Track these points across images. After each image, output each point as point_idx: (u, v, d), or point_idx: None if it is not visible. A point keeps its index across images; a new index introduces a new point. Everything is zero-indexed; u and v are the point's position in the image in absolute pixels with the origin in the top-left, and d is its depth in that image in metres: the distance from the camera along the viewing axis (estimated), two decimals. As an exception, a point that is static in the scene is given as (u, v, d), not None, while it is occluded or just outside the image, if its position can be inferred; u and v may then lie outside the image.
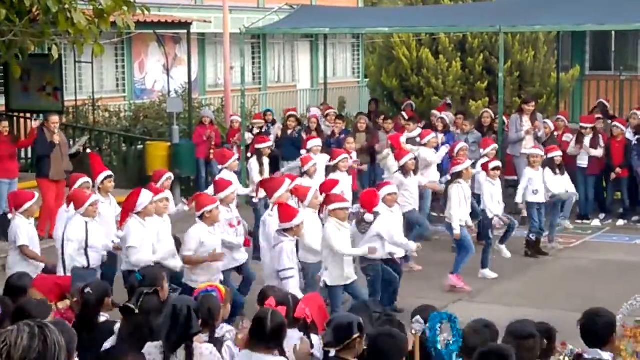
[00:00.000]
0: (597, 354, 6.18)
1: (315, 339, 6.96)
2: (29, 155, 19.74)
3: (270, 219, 10.94)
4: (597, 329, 6.31)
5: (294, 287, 9.73)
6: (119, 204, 12.61)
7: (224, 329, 7.19)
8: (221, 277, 10.57)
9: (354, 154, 16.14)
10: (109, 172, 12.49)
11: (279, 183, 11.59)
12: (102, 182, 12.10)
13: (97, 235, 10.85)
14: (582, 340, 6.40)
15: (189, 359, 6.12)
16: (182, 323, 6.12)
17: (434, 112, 19.02)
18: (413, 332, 6.22)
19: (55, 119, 16.32)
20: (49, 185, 15.79)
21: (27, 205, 10.97)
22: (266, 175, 15.03)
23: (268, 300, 7.31)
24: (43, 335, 3.51)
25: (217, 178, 13.00)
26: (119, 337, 6.65)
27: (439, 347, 6.09)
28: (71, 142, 19.96)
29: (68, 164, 16.33)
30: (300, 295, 9.52)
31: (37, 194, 11.40)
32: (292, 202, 11.31)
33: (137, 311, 6.65)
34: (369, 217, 11.39)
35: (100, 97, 22.64)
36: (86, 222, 10.71)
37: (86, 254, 10.64)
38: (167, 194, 11.80)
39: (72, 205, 10.93)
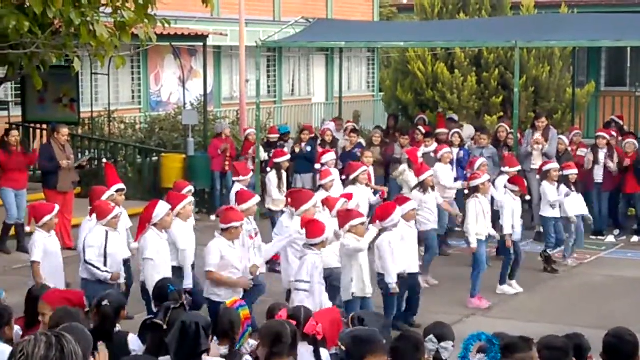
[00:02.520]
0: None
1: (325, 353, 6.96)
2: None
3: (300, 237, 10.81)
4: (623, 350, 6.31)
5: (302, 300, 9.71)
6: (131, 216, 12.74)
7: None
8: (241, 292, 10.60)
9: (371, 169, 16.13)
10: (121, 185, 12.58)
11: (307, 196, 11.62)
12: (113, 194, 12.19)
13: (116, 244, 10.93)
14: (605, 358, 6.40)
15: None
16: (190, 339, 6.10)
17: (439, 130, 18.69)
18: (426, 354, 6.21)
19: (65, 131, 16.31)
20: (56, 197, 15.51)
21: (46, 219, 10.94)
22: (284, 189, 15.09)
23: (280, 312, 7.36)
24: (60, 345, 3.52)
25: (233, 190, 13.02)
26: (147, 352, 6.66)
27: None
28: (86, 153, 20.06)
29: (75, 175, 16.37)
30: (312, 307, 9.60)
31: (57, 207, 11.38)
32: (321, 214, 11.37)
33: (165, 327, 6.67)
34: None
35: (116, 108, 22.73)
36: (107, 231, 10.80)
37: (105, 264, 10.70)
38: (119, 210, 11.49)
39: (94, 215, 11.00)
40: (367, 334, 5.89)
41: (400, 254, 11.60)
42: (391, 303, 11.55)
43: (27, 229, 11.39)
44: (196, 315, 6.62)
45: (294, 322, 6.85)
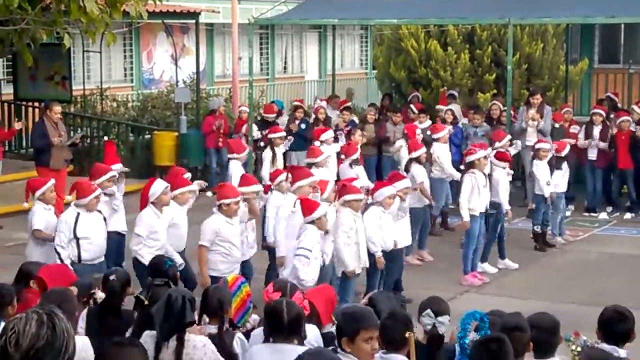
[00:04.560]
0: (615, 350, 6.18)
1: (313, 329, 6.91)
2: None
3: (294, 216, 10.81)
4: (618, 327, 6.32)
5: (302, 266, 9.74)
6: (128, 193, 12.71)
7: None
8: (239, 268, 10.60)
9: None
10: (124, 168, 12.53)
11: (305, 174, 11.59)
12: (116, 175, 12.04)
13: (89, 226, 10.53)
14: (600, 335, 6.40)
15: (179, 349, 6.07)
16: (176, 312, 6.09)
17: (439, 107, 18.90)
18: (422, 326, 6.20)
19: (58, 109, 16.18)
20: (49, 175, 15.29)
21: (42, 189, 10.80)
22: (279, 165, 15.06)
23: (267, 286, 7.34)
24: (52, 322, 3.49)
25: (228, 169, 12.96)
26: (134, 328, 6.68)
27: (467, 347, 6.06)
28: (78, 131, 19.98)
29: (68, 153, 16.29)
30: (308, 280, 9.58)
31: (52, 180, 11.27)
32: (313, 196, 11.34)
33: (146, 302, 6.68)
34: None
35: (108, 86, 22.64)
36: (78, 214, 10.46)
37: (77, 246, 10.42)
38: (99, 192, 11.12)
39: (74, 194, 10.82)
40: (360, 312, 5.86)
41: (390, 229, 11.60)
42: (374, 277, 11.53)
43: (25, 204, 11.30)
44: (182, 289, 6.61)
45: (279, 294, 6.83)
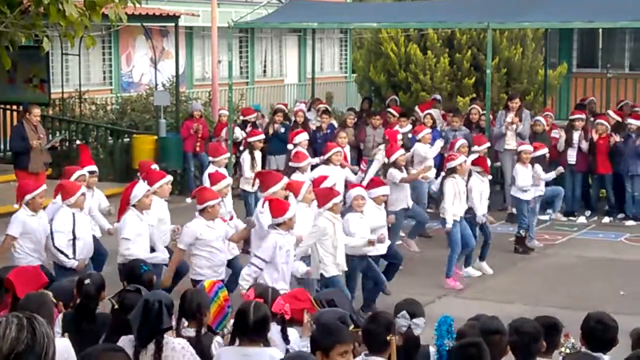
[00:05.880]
0: (601, 358, 6.18)
1: (293, 333, 6.95)
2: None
3: (262, 216, 10.94)
4: (603, 336, 6.30)
5: (247, 275, 9.71)
6: (107, 196, 12.70)
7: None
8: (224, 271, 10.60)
9: (347, 148, 16.11)
10: (93, 167, 12.55)
11: (276, 179, 11.53)
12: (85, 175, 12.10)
13: (85, 226, 10.79)
14: (584, 343, 6.39)
15: (158, 353, 6.10)
16: (153, 317, 6.10)
17: (417, 109, 18.94)
18: (398, 328, 6.21)
19: (37, 111, 16.12)
20: (28, 178, 15.17)
21: (28, 197, 10.79)
22: (258, 169, 15.05)
23: (248, 291, 7.34)
24: (32, 327, 3.48)
25: (207, 172, 13.02)
26: (108, 332, 6.67)
27: (445, 352, 6.09)
28: (57, 134, 19.89)
29: (47, 156, 16.23)
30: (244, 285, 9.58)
31: (43, 186, 11.24)
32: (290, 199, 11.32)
33: (116, 306, 6.67)
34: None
35: (87, 89, 22.58)
36: (74, 214, 10.66)
37: (73, 245, 10.57)
38: (85, 189, 11.32)
39: (59, 197, 10.90)
40: (335, 326, 5.91)
41: (365, 235, 11.56)
42: (352, 285, 11.53)
43: (15, 206, 11.27)
44: (159, 294, 6.60)
45: (262, 300, 6.83)
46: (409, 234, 14.70)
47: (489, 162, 14.63)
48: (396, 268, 12.40)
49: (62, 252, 10.50)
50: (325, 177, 12.41)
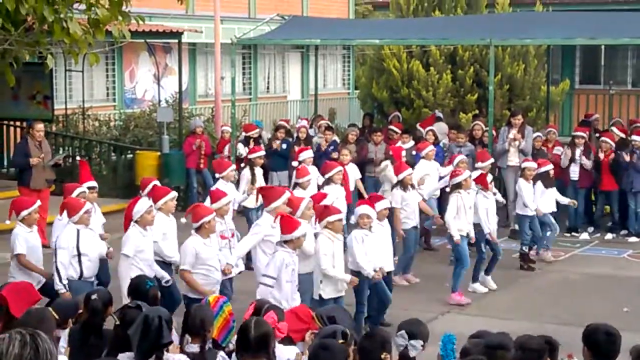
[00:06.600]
0: None
1: (292, 350, 6.92)
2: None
3: (259, 228, 10.94)
4: (609, 348, 6.23)
5: (264, 294, 9.63)
6: (105, 213, 12.69)
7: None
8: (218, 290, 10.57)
9: (352, 166, 16.12)
10: (93, 183, 12.55)
11: (278, 193, 11.53)
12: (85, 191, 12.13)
13: (90, 243, 10.75)
14: (589, 355, 6.35)
15: None
16: (153, 333, 6.10)
17: (418, 127, 18.90)
18: (396, 347, 6.22)
19: (40, 127, 16.19)
20: (30, 195, 15.12)
21: (24, 213, 10.89)
22: (259, 185, 15.03)
23: (250, 307, 7.34)
24: (35, 343, 3.49)
25: (212, 188, 13.01)
26: (108, 349, 6.67)
27: None
28: (60, 151, 19.92)
29: (50, 173, 16.24)
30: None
31: (38, 202, 11.29)
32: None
33: (117, 323, 6.68)
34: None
35: (90, 105, 22.60)
36: (78, 230, 10.64)
37: (79, 262, 10.54)
38: (90, 205, 11.28)
39: (65, 214, 10.92)
40: (334, 345, 5.92)
41: (373, 252, 11.54)
42: (361, 300, 11.50)
43: (7, 222, 11.31)
44: (158, 309, 6.60)
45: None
46: (398, 269, 13.85)
47: (490, 178, 14.65)
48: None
49: (57, 272, 10.43)
50: (324, 195, 12.38)
